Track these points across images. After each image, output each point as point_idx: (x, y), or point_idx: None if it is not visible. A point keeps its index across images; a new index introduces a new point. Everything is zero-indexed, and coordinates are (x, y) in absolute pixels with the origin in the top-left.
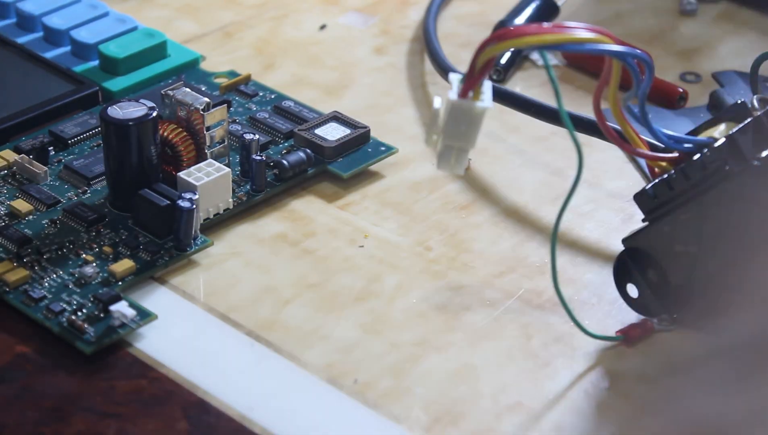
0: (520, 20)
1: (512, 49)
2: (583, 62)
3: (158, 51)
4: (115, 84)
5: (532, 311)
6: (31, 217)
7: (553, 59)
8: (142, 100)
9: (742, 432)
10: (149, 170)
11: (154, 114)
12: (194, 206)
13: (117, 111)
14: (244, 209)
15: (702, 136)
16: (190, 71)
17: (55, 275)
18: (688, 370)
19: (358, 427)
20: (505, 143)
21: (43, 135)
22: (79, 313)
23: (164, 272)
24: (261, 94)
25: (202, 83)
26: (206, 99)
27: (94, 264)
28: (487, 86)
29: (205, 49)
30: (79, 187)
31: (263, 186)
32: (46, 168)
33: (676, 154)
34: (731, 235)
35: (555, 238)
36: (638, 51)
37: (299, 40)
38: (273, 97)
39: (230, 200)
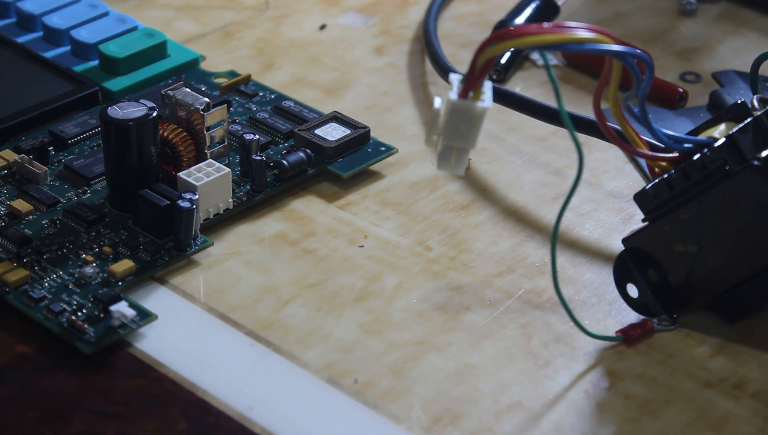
0: (520, 20)
1: (512, 49)
2: (583, 62)
3: (158, 51)
4: (115, 84)
5: (532, 311)
6: (31, 217)
7: (553, 59)
8: (142, 100)
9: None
10: (149, 170)
11: (154, 114)
12: (194, 206)
13: (117, 111)
14: (244, 209)
15: (702, 136)
16: (190, 71)
17: (55, 275)
18: (688, 370)
19: (358, 427)
20: (504, 143)
21: (43, 135)
22: (79, 314)
23: (164, 272)
24: (261, 94)
25: (202, 83)
26: (206, 99)
27: (94, 264)
28: (488, 86)
29: (205, 49)
30: (79, 187)
31: (263, 186)
32: (46, 168)
33: (676, 154)
34: (731, 235)
35: (555, 238)
36: (638, 51)
37: (299, 40)
38: (273, 97)
39: (230, 200)
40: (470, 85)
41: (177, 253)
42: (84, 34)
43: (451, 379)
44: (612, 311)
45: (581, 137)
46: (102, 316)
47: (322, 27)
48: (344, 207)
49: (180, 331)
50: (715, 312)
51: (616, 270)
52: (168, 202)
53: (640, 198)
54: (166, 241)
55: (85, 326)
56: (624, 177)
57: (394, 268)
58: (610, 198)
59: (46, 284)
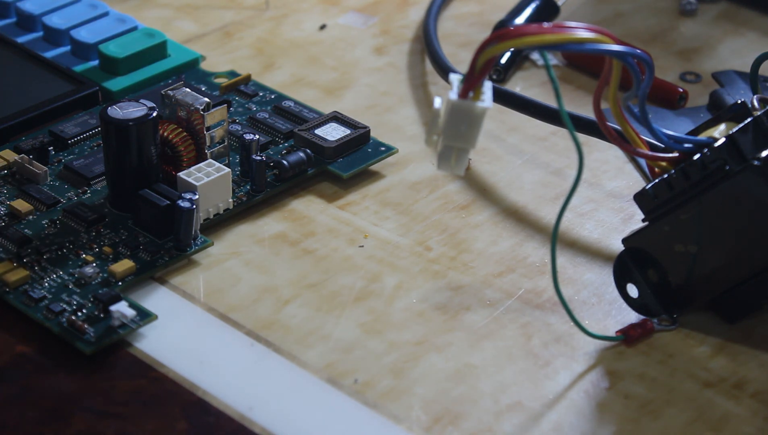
0: (520, 20)
1: (512, 49)
2: (583, 62)
3: (158, 51)
4: (115, 84)
5: (532, 311)
6: (31, 217)
7: (553, 59)
8: (142, 100)
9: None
10: (149, 170)
11: (154, 114)
12: (194, 206)
13: (117, 111)
14: (244, 209)
15: (702, 136)
16: (190, 71)
17: (55, 275)
18: (688, 370)
19: (358, 427)
20: (504, 143)
21: (43, 135)
22: (79, 314)
23: (164, 272)
24: (261, 94)
25: (202, 83)
26: (206, 99)
27: (94, 264)
28: (488, 86)
29: (205, 49)
30: (79, 187)
31: (263, 186)
32: (46, 168)
33: (676, 154)
34: (731, 235)
35: (555, 238)
36: (638, 51)
37: (299, 40)
38: (273, 97)
39: (230, 200)
40: (470, 85)
41: (177, 253)
42: (84, 34)
43: (451, 379)
44: (612, 311)
45: (581, 137)
46: (102, 316)
47: (322, 27)
48: (344, 207)
49: (180, 331)
50: (715, 312)
51: (616, 270)
52: (168, 202)
53: (640, 198)
54: (166, 241)
55: (85, 326)
56: (624, 177)
57: (394, 268)
58: (610, 198)
59: (46, 284)
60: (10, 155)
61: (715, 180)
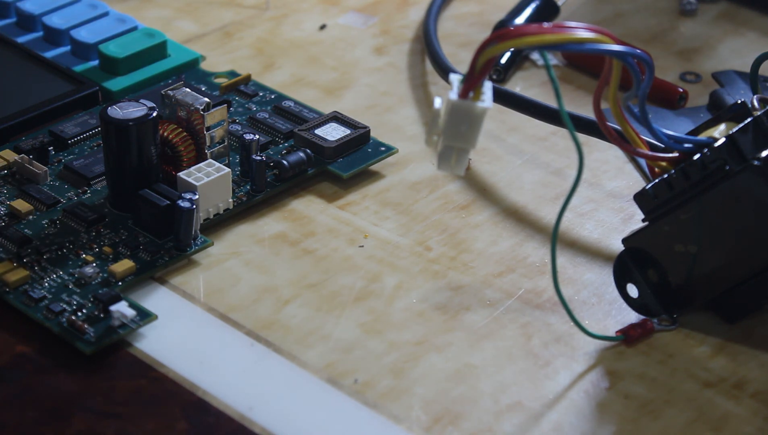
0: (520, 20)
1: (512, 49)
2: (583, 62)
3: (158, 51)
4: (115, 84)
5: (532, 311)
6: (31, 217)
7: (553, 59)
8: (142, 100)
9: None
10: (149, 170)
11: (154, 114)
12: (194, 206)
13: (117, 111)
14: (244, 209)
15: (702, 136)
16: (190, 71)
17: (55, 275)
18: (688, 370)
19: (358, 427)
20: (504, 143)
21: (43, 135)
22: (79, 314)
23: (164, 272)
24: (261, 94)
25: (202, 83)
26: (206, 99)
27: (94, 264)
28: (488, 86)
29: (205, 49)
30: (79, 187)
31: (263, 186)
32: (46, 168)
33: (676, 154)
34: (731, 235)
35: (555, 238)
36: (638, 51)
37: (299, 40)
38: (273, 97)
39: (230, 200)
40: (470, 85)
41: (177, 253)
42: (84, 34)
43: (451, 379)
44: (612, 311)
45: (581, 137)
46: (102, 316)
47: (322, 27)
48: (344, 207)
49: (180, 331)
50: (715, 312)
51: (616, 270)
52: (168, 202)
53: (640, 198)
54: (166, 241)
55: (85, 326)
56: (624, 177)
57: (394, 268)
58: (610, 198)
59: (46, 284)
60: (10, 155)
61: (715, 180)
